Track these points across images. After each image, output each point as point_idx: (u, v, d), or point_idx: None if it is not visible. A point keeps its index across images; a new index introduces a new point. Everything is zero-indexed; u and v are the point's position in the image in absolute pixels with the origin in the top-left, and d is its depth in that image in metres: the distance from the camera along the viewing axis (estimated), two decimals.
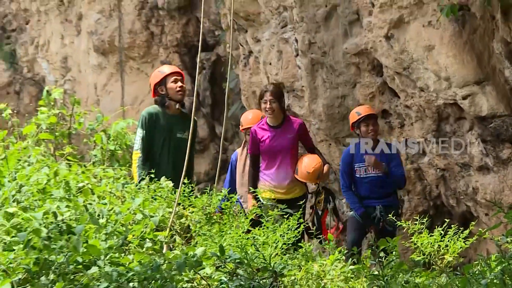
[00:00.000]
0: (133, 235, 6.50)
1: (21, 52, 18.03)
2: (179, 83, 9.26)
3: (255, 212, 8.33)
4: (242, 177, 10.14)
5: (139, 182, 8.15)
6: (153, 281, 5.54)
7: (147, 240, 6.61)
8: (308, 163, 9.73)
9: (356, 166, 10.30)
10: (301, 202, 9.54)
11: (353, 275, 7.33)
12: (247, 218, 8.06)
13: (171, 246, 7.12)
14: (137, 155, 8.94)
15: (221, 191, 8.94)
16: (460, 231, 7.69)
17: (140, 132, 9.06)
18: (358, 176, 10.29)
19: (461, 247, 7.56)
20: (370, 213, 10.15)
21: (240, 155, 10.36)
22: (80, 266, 5.64)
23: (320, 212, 9.96)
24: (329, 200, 10.03)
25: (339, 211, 10.54)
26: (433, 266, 7.47)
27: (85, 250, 5.67)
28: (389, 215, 9.84)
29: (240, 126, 10.50)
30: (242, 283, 5.56)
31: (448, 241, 7.52)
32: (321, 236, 9.49)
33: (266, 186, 9.75)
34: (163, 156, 9.11)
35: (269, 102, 9.65)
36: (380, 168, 10.10)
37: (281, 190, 9.75)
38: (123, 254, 6.09)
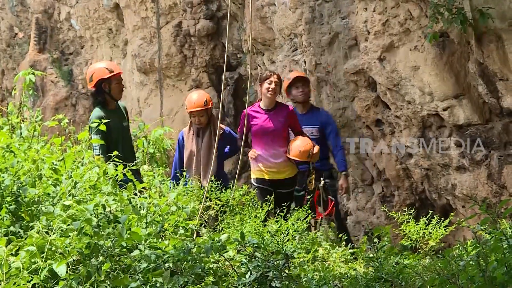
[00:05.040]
0: (169, 224, 6.48)
1: (77, 72, 18.04)
2: (121, 84, 8.73)
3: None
4: (190, 158, 9.50)
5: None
6: (185, 262, 5.52)
7: (180, 228, 6.59)
8: (300, 143, 9.26)
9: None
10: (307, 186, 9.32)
11: (352, 257, 7.29)
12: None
13: (200, 233, 7.09)
14: (98, 161, 7.62)
15: (241, 187, 8.87)
16: (441, 221, 7.64)
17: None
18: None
19: (442, 234, 7.51)
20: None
21: (187, 136, 9.62)
22: (124, 250, 5.64)
23: (311, 192, 9.47)
24: (319, 180, 9.56)
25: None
26: (419, 250, 7.42)
27: (128, 236, 5.66)
28: (324, 178, 9.59)
29: (186, 108, 9.63)
30: (259, 264, 5.52)
31: (431, 229, 7.47)
32: (314, 215, 9.15)
33: (259, 167, 9.28)
34: (118, 146, 8.26)
35: (274, 83, 9.18)
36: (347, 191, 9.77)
37: (273, 170, 9.26)
38: (160, 240, 6.07)
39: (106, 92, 8.61)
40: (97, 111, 8.53)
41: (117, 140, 8.53)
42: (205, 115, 9.51)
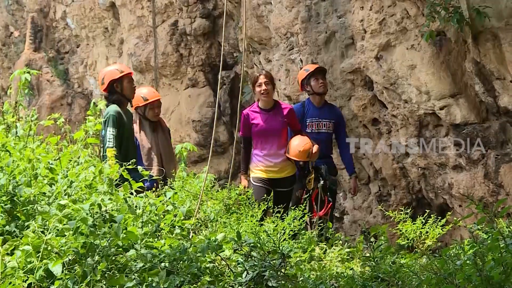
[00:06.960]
0: (165, 223, 6.47)
1: (72, 71, 18.05)
2: (133, 84, 8.79)
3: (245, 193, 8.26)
4: (149, 154, 9.20)
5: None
6: (181, 262, 5.50)
7: (177, 227, 6.58)
8: (299, 142, 9.18)
9: (308, 121, 9.74)
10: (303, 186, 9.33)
11: (348, 257, 7.28)
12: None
13: (196, 232, 7.08)
14: (111, 152, 7.92)
15: (237, 186, 8.87)
16: (438, 220, 7.65)
17: (112, 131, 8.30)
18: (309, 131, 9.65)
19: (439, 233, 7.52)
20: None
21: (139, 133, 9.28)
22: (120, 249, 5.62)
23: (310, 191, 9.40)
24: (318, 179, 9.50)
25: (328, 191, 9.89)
26: (416, 249, 7.42)
27: (124, 235, 5.64)
28: (331, 175, 9.60)
29: (143, 101, 9.23)
30: (255, 263, 5.51)
31: (428, 228, 7.48)
32: (310, 214, 9.15)
33: (259, 167, 9.23)
34: (129, 146, 8.49)
35: (264, 84, 9.12)
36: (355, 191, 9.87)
37: (274, 169, 9.18)
38: (156, 239, 6.06)
39: (119, 92, 8.67)
40: (114, 107, 8.58)
41: (128, 139, 8.61)
42: (160, 106, 9.55)
